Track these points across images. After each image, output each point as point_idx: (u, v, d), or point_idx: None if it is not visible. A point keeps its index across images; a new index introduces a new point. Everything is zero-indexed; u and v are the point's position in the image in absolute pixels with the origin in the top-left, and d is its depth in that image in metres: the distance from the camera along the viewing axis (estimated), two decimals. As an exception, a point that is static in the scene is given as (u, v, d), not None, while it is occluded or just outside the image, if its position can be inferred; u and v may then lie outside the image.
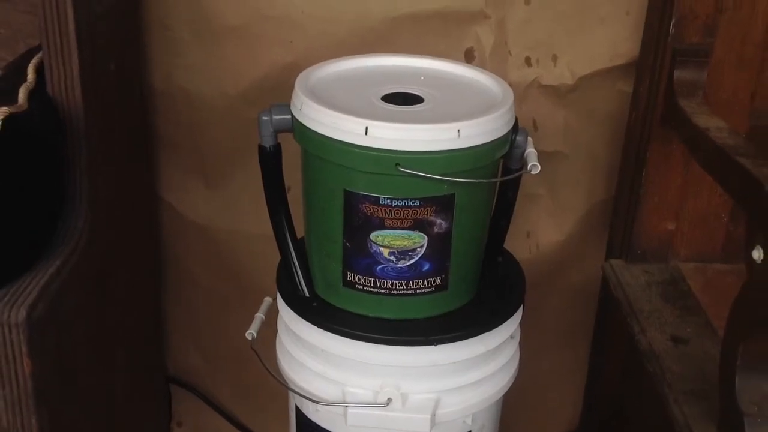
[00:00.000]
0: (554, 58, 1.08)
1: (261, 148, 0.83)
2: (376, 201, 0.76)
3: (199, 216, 1.16)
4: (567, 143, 1.11)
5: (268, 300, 0.93)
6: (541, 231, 1.16)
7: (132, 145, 1.04)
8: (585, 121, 1.11)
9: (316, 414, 0.87)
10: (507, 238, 0.92)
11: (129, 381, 1.03)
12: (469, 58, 1.07)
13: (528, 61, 1.08)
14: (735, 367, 0.73)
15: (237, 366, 1.20)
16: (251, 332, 0.88)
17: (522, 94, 1.08)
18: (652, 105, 0.99)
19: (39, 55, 0.82)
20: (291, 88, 0.80)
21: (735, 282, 0.75)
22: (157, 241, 1.18)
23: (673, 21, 0.94)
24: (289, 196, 0.86)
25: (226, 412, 1.26)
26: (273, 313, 0.91)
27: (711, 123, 0.86)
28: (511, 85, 0.84)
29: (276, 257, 0.88)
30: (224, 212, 1.15)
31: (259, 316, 0.91)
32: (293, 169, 0.83)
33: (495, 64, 1.07)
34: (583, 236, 1.16)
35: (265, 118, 0.81)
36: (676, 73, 0.95)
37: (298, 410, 0.90)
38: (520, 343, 0.91)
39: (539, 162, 0.80)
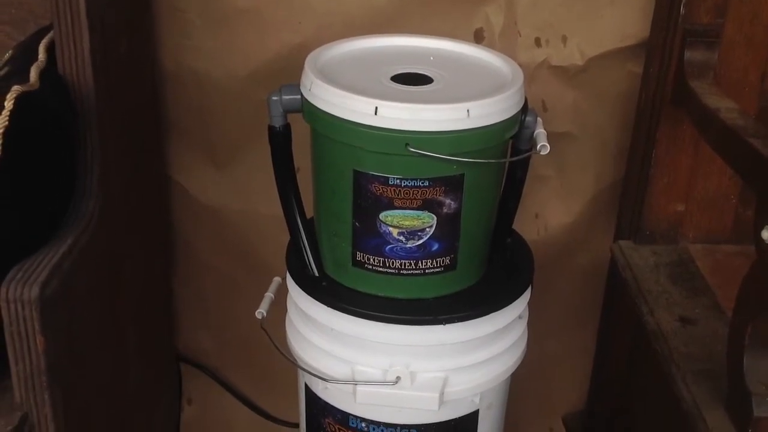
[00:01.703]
0: (564, 39, 1.07)
1: (271, 129, 0.83)
2: (385, 181, 0.77)
3: (209, 197, 1.17)
4: (576, 124, 1.11)
5: (277, 280, 0.94)
6: (550, 212, 1.16)
7: (142, 126, 1.05)
8: (594, 103, 1.10)
9: (325, 392, 0.87)
10: (515, 219, 0.92)
11: (140, 359, 1.04)
12: (478, 38, 1.07)
13: (537, 42, 1.07)
14: (743, 347, 0.73)
15: (246, 345, 1.21)
16: (261, 311, 0.89)
17: (531, 75, 1.07)
18: (662, 86, 0.98)
19: (50, 35, 0.83)
20: (300, 69, 0.80)
21: (744, 263, 0.75)
22: (168, 221, 1.18)
23: (683, 1, 0.93)
24: (299, 177, 0.87)
25: (236, 390, 1.27)
26: (282, 293, 0.91)
27: (721, 104, 0.86)
28: (520, 66, 0.84)
29: (286, 237, 0.88)
30: (234, 193, 1.16)
31: (269, 295, 0.92)
32: (302, 149, 0.84)
33: (504, 45, 1.06)
34: (592, 218, 1.16)
35: (274, 98, 0.81)
36: (687, 54, 0.94)
37: (307, 388, 0.90)
38: (528, 323, 0.91)
39: (548, 143, 0.80)
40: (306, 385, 0.90)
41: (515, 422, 1.08)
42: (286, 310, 0.91)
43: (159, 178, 1.14)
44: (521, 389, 1.01)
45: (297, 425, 0.96)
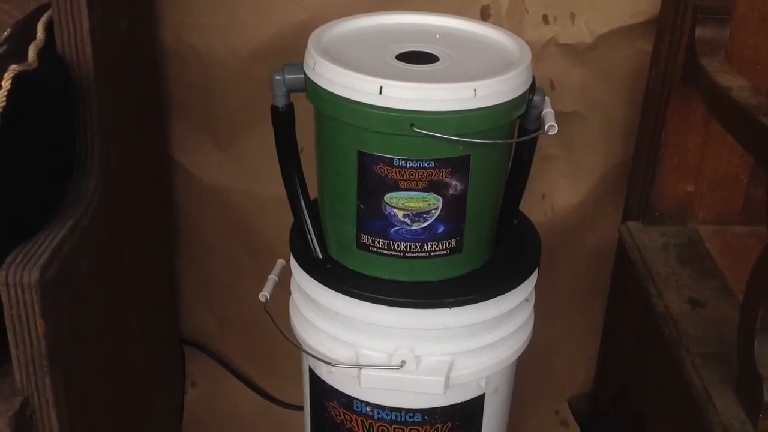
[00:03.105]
0: (572, 16, 1.05)
1: (274, 108, 0.82)
2: (390, 162, 0.75)
3: (212, 177, 1.15)
4: (584, 103, 1.10)
5: (281, 262, 0.93)
6: (557, 193, 1.14)
7: (144, 106, 1.03)
8: (603, 81, 1.09)
9: (329, 375, 0.87)
10: (522, 200, 0.91)
11: (143, 342, 1.03)
12: (485, 15, 1.05)
13: (545, 19, 1.05)
14: (754, 331, 0.72)
15: (250, 327, 1.20)
16: (264, 294, 0.88)
17: (539, 53, 1.06)
18: (672, 64, 0.96)
19: (49, 12, 0.81)
20: (304, 47, 0.78)
21: (754, 245, 0.74)
22: (170, 202, 1.17)
23: (695, -23, 0.92)
24: (302, 157, 0.85)
25: (240, 372, 1.26)
26: (286, 275, 0.90)
27: (733, 82, 0.84)
28: (528, 43, 0.82)
29: (289, 219, 0.87)
30: (237, 173, 1.14)
31: (272, 278, 0.91)
32: (306, 129, 0.82)
33: (511, 22, 1.05)
34: (600, 198, 1.15)
35: (277, 77, 0.80)
36: (698, 31, 0.92)
37: (311, 372, 0.89)
38: (534, 305, 0.90)
39: (556, 123, 0.79)
40: (310, 369, 0.90)
41: (521, 404, 1.08)
42: (290, 293, 0.90)
43: (161, 159, 1.13)
44: (527, 371, 1.00)
45: (301, 408, 0.95)
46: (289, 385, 1.22)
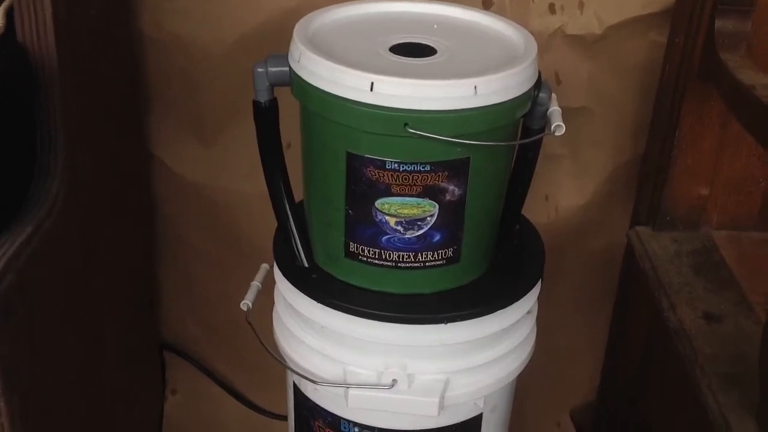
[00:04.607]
0: (580, 5, 0.99)
1: (255, 104, 0.76)
2: (382, 165, 0.69)
3: (194, 174, 1.09)
4: (593, 98, 1.04)
5: (265, 267, 0.87)
6: (561, 194, 1.09)
7: (119, 98, 0.97)
8: (613, 75, 1.03)
9: (315, 393, 0.81)
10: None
11: (117, 350, 0.97)
12: (487, 4, 0.99)
13: (552, 8, 0.99)
14: (778, 355, 0.66)
15: (234, 333, 1.15)
16: (246, 303, 0.82)
17: (545, 44, 1.00)
18: (688, 58, 0.90)
19: (9, -3, 0.74)
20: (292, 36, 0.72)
21: (773, 253, 0.68)
22: (149, 201, 1.11)
23: (715, -36, 0.85)
24: (289, 153, 0.79)
25: (223, 380, 1.21)
26: (271, 281, 0.85)
27: (756, 79, 0.78)
28: (532, 34, 0.76)
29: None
30: (221, 170, 1.09)
31: (255, 284, 0.85)
32: (293, 123, 0.76)
33: (515, 11, 0.99)
34: (607, 200, 1.10)
35: (260, 70, 0.73)
36: (718, 23, 0.86)
37: (296, 387, 0.84)
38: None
39: (563, 121, 0.73)
40: (294, 385, 0.84)
41: (521, 416, 1.03)
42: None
43: (139, 155, 1.07)
44: (527, 382, 0.95)
45: (287, 417, 0.89)
46: (273, 394, 1.17)
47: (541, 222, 1.02)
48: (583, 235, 1.11)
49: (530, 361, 0.84)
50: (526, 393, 1.02)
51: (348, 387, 0.76)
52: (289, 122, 0.77)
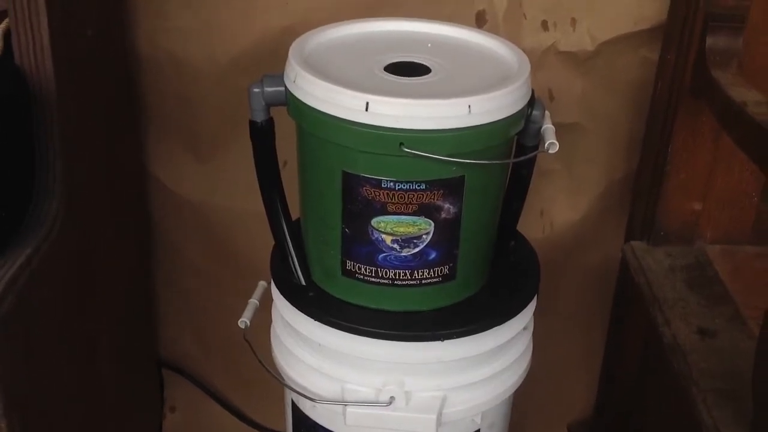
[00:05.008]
0: (573, 22, 1.00)
1: (252, 124, 0.76)
2: (377, 184, 0.69)
3: (191, 192, 1.10)
4: (586, 114, 1.04)
5: (262, 284, 0.87)
6: (556, 209, 1.09)
7: (115, 116, 0.97)
8: (606, 91, 1.03)
9: (313, 411, 0.81)
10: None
11: (115, 368, 0.97)
12: (480, 21, 1.00)
13: (544, 25, 1.00)
14: (772, 370, 0.66)
15: (232, 350, 1.14)
16: (244, 320, 0.82)
17: (538, 61, 1.00)
18: (680, 74, 0.91)
19: (6, 20, 0.75)
20: (287, 55, 0.73)
21: (766, 266, 0.69)
22: (147, 219, 1.11)
23: (706, -19, 0.86)
24: (285, 172, 0.80)
25: (221, 397, 1.21)
26: (269, 298, 0.85)
27: (748, 96, 0.79)
28: (526, 51, 0.76)
29: (273, 237, 0.81)
30: (217, 188, 1.09)
31: (253, 302, 0.85)
32: (289, 141, 0.76)
33: (508, 29, 0.99)
34: (601, 215, 1.10)
35: (256, 90, 0.74)
36: (709, 40, 0.87)
37: (294, 405, 0.84)
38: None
39: (556, 137, 0.73)
40: (293, 402, 0.84)
41: (518, 431, 1.03)
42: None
43: (136, 173, 1.07)
44: (524, 397, 0.95)
45: (285, 435, 0.90)
46: (272, 411, 1.17)
47: (536, 237, 1.03)
48: (579, 249, 1.11)
49: (527, 377, 0.84)
50: (524, 408, 1.02)
51: (346, 404, 0.76)
52: (285, 140, 0.77)
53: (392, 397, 0.75)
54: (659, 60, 0.97)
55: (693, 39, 0.89)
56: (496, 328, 0.77)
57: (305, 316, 0.77)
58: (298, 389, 0.79)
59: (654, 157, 0.97)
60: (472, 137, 0.68)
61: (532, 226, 1.08)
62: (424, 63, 0.75)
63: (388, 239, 0.72)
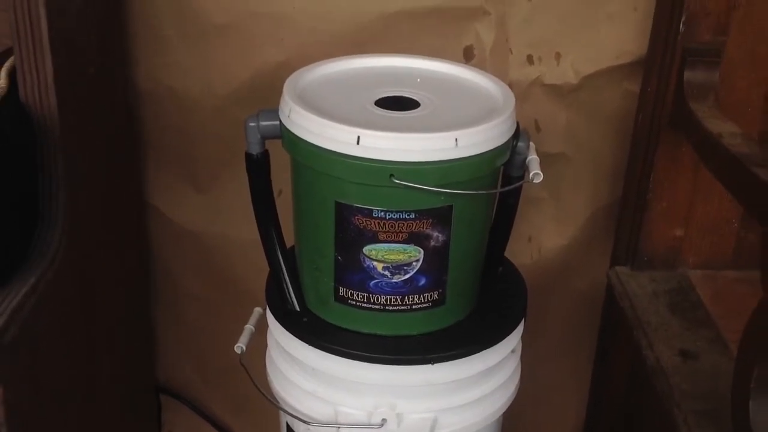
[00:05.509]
0: (557, 56, 1.03)
1: (248, 156, 0.79)
2: (369, 213, 0.72)
3: (189, 221, 1.12)
4: (570, 145, 1.07)
5: (258, 311, 0.89)
6: (543, 235, 1.12)
7: (116, 150, 1.00)
8: (589, 122, 1.06)
9: (307, 433, 0.83)
10: (508, 243, 0.87)
11: (115, 393, 0.99)
12: (468, 56, 1.03)
13: (530, 60, 1.03)
14: (749, 391, 0.69)
15: (229, 376, 1.16)
16: (240, 346, 0.84)
17: (524, 93, 1.03)
18: (660, 106, 0.94)
19: (12, 58, 0.78)
20: (282, 89, 0.76)
21: (746, 291, 0.72)
22: (146, 248, 1.14)
23: (683, 18, 0.89)
24: (280, 201, 0.82)
25: (218, 422, 1.22)
26: (264, 324, 0.87)
27: (724, 128, 0.82)
28: (512, 84, 0.80)
29: (269, 265, 0.84)
30: (215, 217, 1.11)
31: (249, 327, 0.87)
32: (284, 171, 0.79)
33: (495, 63, 1.02)
34: (587, 241, 1.13)
35: (252, 124, 0.77)
36: (687, 74, 0.90)
37: (289, 429, 0.86)
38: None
39: (542, 167, 0.76)
40: (288, 425, 0.86)
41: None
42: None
43: (136, 203, 1.09)
44: (513, 419, 0.97)
45: (281, 460, 0.91)
46: (268, 436, 1.18)
47: (525, 263, 1.06)
48: (566, 275, 1.14)
49: (516, 399, 0.86)
50: (513, 430, 1.04)
51: (339, 427, 0.78)
52: (279, 170, 0.80)
53: (384, 420, 0.77)
54: (640, 92, 1.00)
55: (672, 73, 0.92)
56: (484, 351, 0.79)
57: (300, 341, 0.79)
58: (292, 412, 0.81)
59: (636, 186, 1.00)
60: (459, 169, 0.71)
61: (521, 252, 1.10)
62: (413, 97, 0.78)
63: (379, 266, 0.75)
